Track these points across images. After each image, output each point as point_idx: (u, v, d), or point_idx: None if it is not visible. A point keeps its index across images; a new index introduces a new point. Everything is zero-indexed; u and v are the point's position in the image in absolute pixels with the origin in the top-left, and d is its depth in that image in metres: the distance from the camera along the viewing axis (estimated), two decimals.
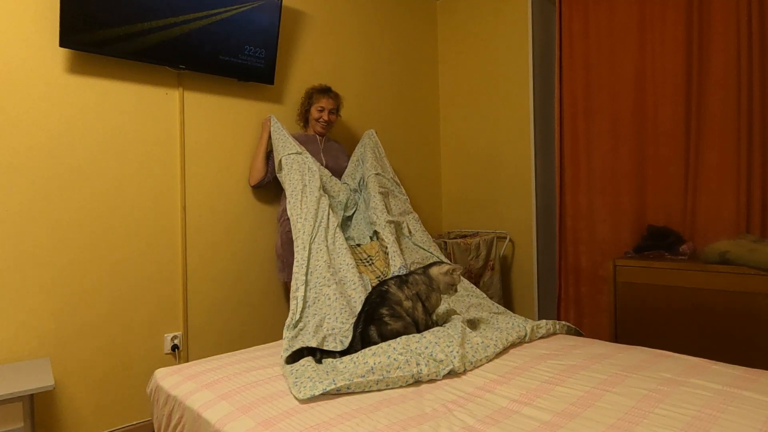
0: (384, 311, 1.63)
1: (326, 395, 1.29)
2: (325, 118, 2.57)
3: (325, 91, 2.59)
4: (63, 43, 1.90)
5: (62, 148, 1.99)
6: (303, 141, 2.56)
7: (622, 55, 2.62)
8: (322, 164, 2.54)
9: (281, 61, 2.68)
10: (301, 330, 1.74)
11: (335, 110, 2.61)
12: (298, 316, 1.80)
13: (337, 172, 2.61)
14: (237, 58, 2.38)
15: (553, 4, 3.15)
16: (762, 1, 2.20)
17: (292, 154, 2.37)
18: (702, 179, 2.37)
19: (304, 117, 2.65)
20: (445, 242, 2.78)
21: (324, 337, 1.69)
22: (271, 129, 2.45)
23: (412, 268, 2.16)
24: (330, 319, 1.81)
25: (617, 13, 2.63)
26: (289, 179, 2.33)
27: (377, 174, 2.58)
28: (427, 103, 3.52)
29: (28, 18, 1.91)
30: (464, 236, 3.11)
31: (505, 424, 1.11)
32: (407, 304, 1.67)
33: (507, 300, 3.21)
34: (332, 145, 2.69)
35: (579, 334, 1.96)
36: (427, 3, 3.54)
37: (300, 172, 2.34)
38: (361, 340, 1.59)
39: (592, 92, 2.74)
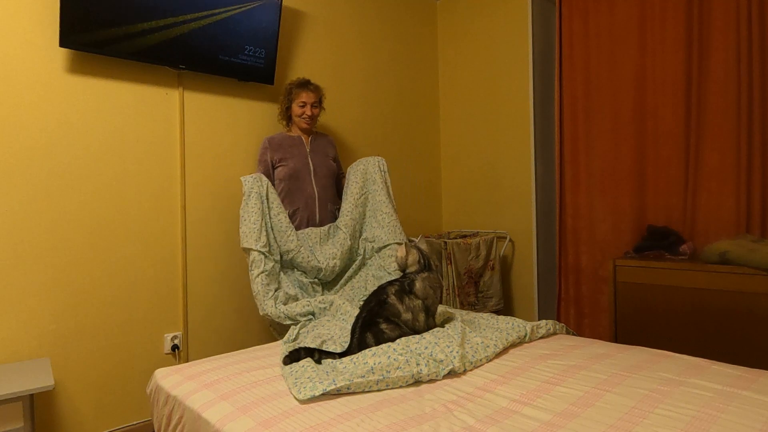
0: (381, 320, 1.60)
1: (326, 395, 1.29)
2: (308, 112, 2.41)
3: (304, 84, 2.44)
4: (63, 43, 1.90)
5: (62, 148, 1.99)
6: (288, 145, 2.43)
7: (622, 55, 2.62)
8: (309, 170, 2.42)
9: (281, 61, 2.68)
10: (299, 343, 1.74)
11: (318, 103, 2.46)
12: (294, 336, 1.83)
13: (327, 176, 2.48)
14: (237, 58, 2.38)
15: (553, 4, 3.15)
16: (762, 1, 2.20)
17: (256, 251, 2.16)
18: (702, 179, 2.37)
19: (286, 116, 2.50)
20: (445, 242, 2.78)
21: (323, 342, 1.69)
22: (244, 203, 2.22)
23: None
24: (327, 332, 1.81)
25: (617, 13, 2.63)
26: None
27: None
28: (427, 103, 3.52)
29: (28, 18, 1.91)
30: (464, 236, 3.11)
31: (506, 424, 1.11)
32: (406, 316, 1.62)
33: (507, 300, 3.21)
34: (320, 143, 2.53)
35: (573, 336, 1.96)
36: (427, 3, 3.54)
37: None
38: (358, 345, 1.57)
39: (592, 92, 2.73)
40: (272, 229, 2.25)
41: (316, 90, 2.46)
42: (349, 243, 2.38)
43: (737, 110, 2.26)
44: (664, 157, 2.50)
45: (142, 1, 2.05)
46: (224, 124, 2.47)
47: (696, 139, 2.38)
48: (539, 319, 2.84)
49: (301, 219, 2.39)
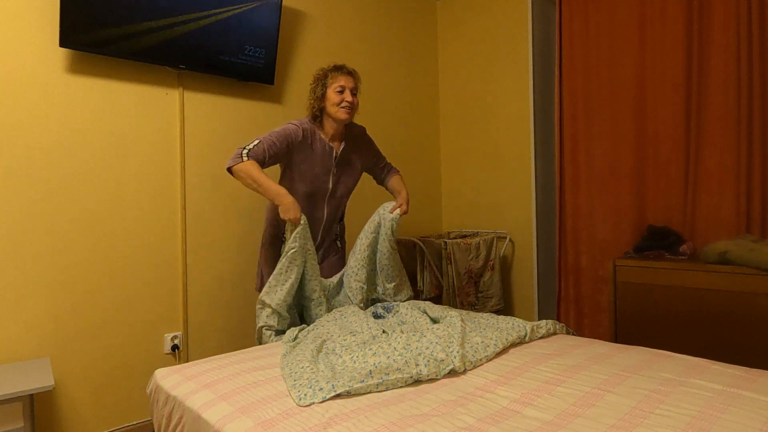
0: None
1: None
2: (349, 98, 1.99)
3: (341, 67, 2.03)
4: (63, 43, 1.90)
5: (62, 148, 1.99)
6: (319, 153, 2.03)
7: (622, 55, 2.62)
8: (326, 193, 2.09)
9: (281, 61, 2.68)
10: (298, 342, 1.74)
11: (356, 90, 2.05)
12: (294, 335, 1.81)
13: (344, 195, 2.16)
14: (237, 58, 2.38)
15: (553, 4, 3.15)
16: (762, 1, 2.20)
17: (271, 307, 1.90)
18: (702, 179, 2.37)
19: (318, 108, 2.04)
20: (445, 242, 2.78)
21: (323, 341, 1.69)
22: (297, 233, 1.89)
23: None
24: (327, 332, 1.80)
25: (617, 13, 2.63)
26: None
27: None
28: (427, 103, 3.52)
29: (28, 18, 1.91)
30: (464, 236, 3.11)
31: (506, 424, 1.11)
32: None
33: (507, 300, 3.21)
34: (349, 150, 2.12)
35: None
36: (427, 3, 3.53)
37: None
38: None
39: (592, 92, 2.73)
40: (302, 280, 1.98)
41: (355, 74, 2.06)
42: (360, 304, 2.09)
43: (737, 110, 2.26)
44: (664, 157, 2.50)
45: (142, 1, 2.05)
46: (224, 124, 2.47)
47: (696, 139, 2.38)
48: (539, 319, 2.84)
49: None
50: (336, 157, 2.07)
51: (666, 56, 2.48)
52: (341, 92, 1.99)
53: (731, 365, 1.44)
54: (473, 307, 2.87)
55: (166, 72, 2.27)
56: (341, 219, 2.29)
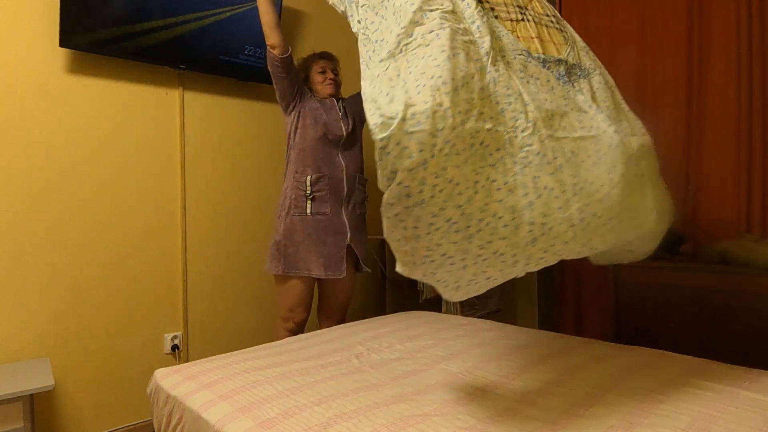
0: None
1: (328, 394, 1.29)
2: (331, 76, 2.20)
3: (320, 53, 2.26)
4: (63, 43, 1.90)
5: (62, 148, 1.99)
6: (319, 107, 2.15)
7: (622, 54, 2.62)
8: (342, 133, 2.13)
9: None
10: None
11: (337, 71, 2.26)
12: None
13: (356, 144, 2.21)
14: (237, 58, 2.38)
15: (553, 4, 3.15)
16: (762, 2, 2.20)
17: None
18: (702, 179, 2.37)
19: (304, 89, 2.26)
20: None
21: None
22: None
23: None
24: None
25: (617, 13, 2.63)
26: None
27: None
28: None
29: (28, 18, 1.91)
30: None
31: (507, 424, 1.11)
32: None
33: (507, 300, 3.21)
34: (351, 102, 2.26)
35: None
36: None
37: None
38: None
39: None
40: None
41: (334, 58, 2.27)
42: None
43: (737, 110, 2.26)
44: (664, 156, 2.50)
45: (142, 1, 2.05)
46: (224, 124, 2.47)
47: (696, 139, 2.38)
48: (539, 320, 2.84)
49: (327, 191, 2.09)
50: (340, 108, 2.20)
51: (666, 56, 2.48)
52: (323, 72, 2.21)
53: (731, 365, 1.44)
54: (473, 307, 2.86)
55: (166, 72, 2.27)
56: (363, 184, 2.25)
